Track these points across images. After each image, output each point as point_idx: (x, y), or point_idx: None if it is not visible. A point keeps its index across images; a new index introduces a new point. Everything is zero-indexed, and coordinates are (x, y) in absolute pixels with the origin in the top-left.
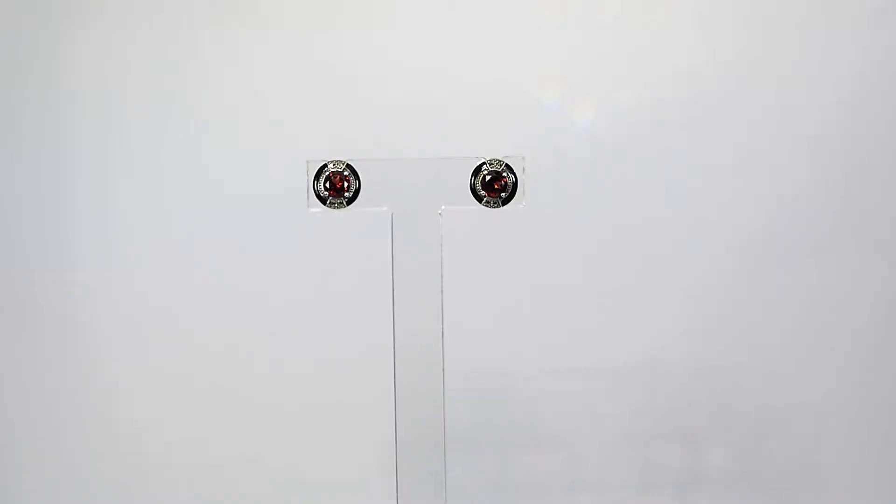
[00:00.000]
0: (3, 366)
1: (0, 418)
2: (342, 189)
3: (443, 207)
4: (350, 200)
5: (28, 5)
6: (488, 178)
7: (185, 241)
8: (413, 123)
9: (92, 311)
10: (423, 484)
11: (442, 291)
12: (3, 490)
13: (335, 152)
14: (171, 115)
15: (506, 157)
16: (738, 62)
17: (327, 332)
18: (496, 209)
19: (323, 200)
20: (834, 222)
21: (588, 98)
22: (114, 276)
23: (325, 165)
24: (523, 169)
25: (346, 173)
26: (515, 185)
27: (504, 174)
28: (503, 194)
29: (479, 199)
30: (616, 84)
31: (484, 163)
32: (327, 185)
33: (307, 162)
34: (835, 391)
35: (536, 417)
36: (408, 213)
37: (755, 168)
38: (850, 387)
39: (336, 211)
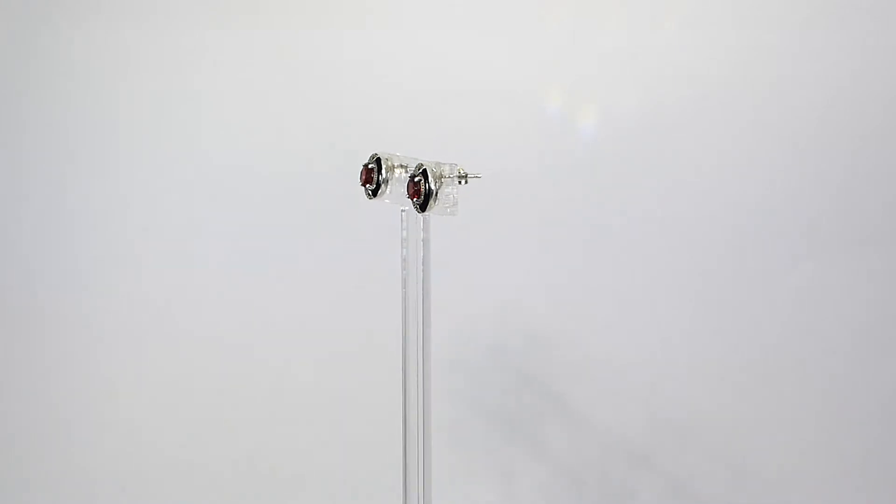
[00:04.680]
0: (3, 366)
1: (0, 418)
2: (367, 181)
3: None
4: (374, 192)
5: (28, 5)
6: (406, 181)
7: (185, 239)
8: (411, 123)
9: (92, 311)
10: (426, 482)
11: (423, 292)
12: (3, 490)
13: (335, 150)
14: (171, 114)
15: (440, 162)
16: (738, 62)
17: (329, 331)
18: (420, 213)
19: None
20: (834, 222)
21: (588, 99)
22: (114, 276)
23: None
24: (466, 175)
25: (371, 166)
26: (429, 191)
27: (418, 179)
28: (416, 199)
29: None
30: (616, 85)
31: (422, 166)
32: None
33: (371, 154)
34: (835, 391)
35: (537, 417)
36: (406, 211)
37: (753, 168)
38: (850, 387)
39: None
